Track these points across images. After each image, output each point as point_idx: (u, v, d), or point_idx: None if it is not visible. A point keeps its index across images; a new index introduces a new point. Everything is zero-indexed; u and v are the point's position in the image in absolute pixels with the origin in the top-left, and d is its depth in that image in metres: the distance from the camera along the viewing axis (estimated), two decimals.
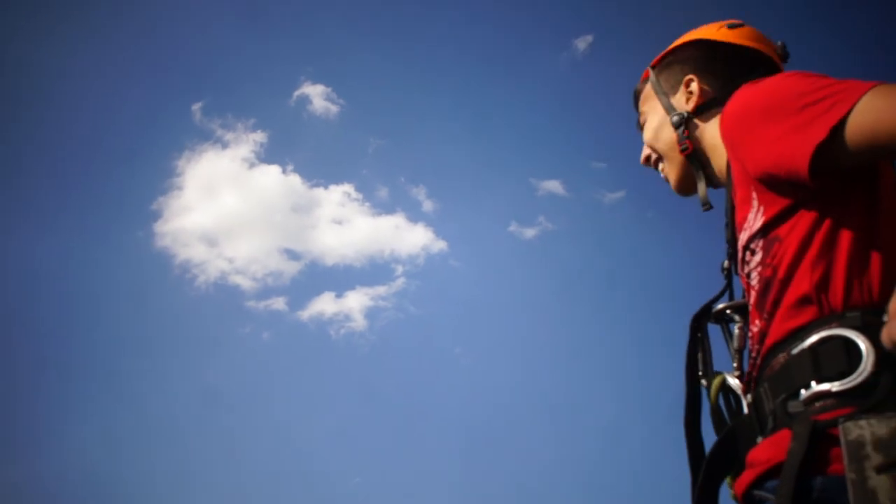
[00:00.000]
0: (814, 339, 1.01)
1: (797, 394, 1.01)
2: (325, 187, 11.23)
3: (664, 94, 1.49)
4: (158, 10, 11.37)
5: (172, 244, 10.78)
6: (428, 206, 10.99)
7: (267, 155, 11.17)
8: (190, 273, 10.54)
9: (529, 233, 10.62)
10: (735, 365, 1.26)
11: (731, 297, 1.32)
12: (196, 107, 11.17)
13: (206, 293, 10.60)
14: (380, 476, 9.68)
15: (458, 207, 11.46)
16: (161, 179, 11.11)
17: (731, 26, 1.49)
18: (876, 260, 1.03)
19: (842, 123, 0.98)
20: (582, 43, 10.62)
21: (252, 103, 11.89)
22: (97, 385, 10.49)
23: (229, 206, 11.30)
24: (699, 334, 1.34)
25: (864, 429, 0.89)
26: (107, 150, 11.60)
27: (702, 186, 1.43)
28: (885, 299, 1.00)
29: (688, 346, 1.35)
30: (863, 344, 0.96)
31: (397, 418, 10.67)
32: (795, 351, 1.03)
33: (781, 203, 1.11)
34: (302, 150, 11.82)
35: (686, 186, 1.47)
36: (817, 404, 0.98)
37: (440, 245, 10.68)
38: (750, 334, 1.19)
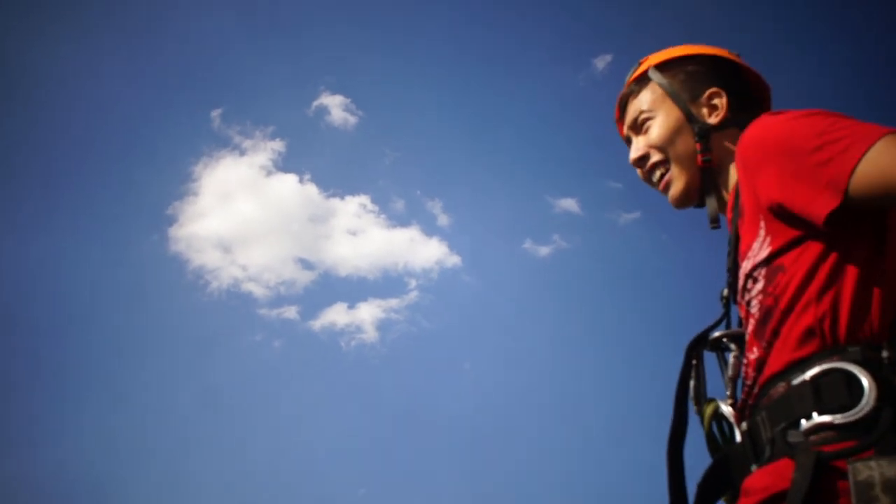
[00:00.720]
0: (815, 370, 1.02)
1: (797, 424, 1.01)
2: (342, 198, 11.25)
3: (682, 100, 1.46)
4: (182, 17, 11.44)
5: (186, 249, 10.83)
6: (443, 220, 11.01)
7: (284, 163, 11.20)
8: (203, 279, 10.58)
9: (544, 251, 10.62)
10: (728, 393, 1.27)
11: (729, 326, 1.33)
12: (215, 113, 11.23)
13: (218, 299, 10.63)
14: (385, 488, 9.66)
15: (473, 222, 11.47)
16: (177, 184, 11.15)
17: (738, 55, 1.51)
18: (878, 296, 1.04)
19: (854, 169, 1.00)
20: (601, 62, 10.63)
21: (271, 111, 11.95)
22: (106, 386, 10.51)
23: (245, 213, 11.34)
24: (694, 361, 1.34)
25: (873, 470, 0.90)
26: (125, 154, 11.67)
27: (712, 201, 1.43)
28: (886, 335, 1.02)
29: (681, 371, 1.35)
30: (864, 379, 0.97)
31: (405, 431, 10.65)
32: (796, 381, 1.04)
33: (789, 234, 1.12)
34: (319, 159, 11.87)
35: (689, 198, 1.45)
36: (818, 436, 0.98)
37: (454, 260, 10.68)
38: (746, 362, 1.20)
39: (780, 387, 1.07)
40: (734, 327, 1.32)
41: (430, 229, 11.54)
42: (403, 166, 11.81)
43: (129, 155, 11.65)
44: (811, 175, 1.05)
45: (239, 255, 10.92)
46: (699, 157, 1.40)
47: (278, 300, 10.68)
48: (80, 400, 10.19)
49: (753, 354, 1.16)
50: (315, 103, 11.22)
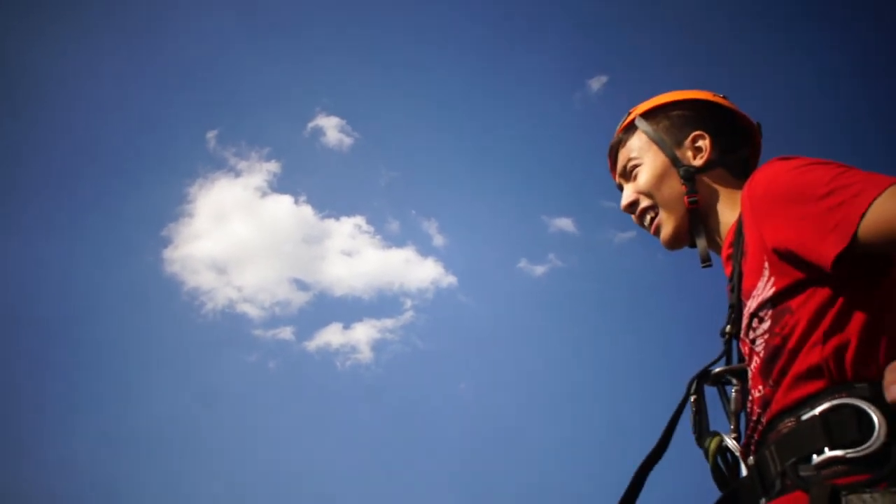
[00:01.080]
0: (825, 406, 1.04)
1: (809, 458, 1.03)
2: (337, 219, 11.27)
3: (667, 146, 1.50)
4: (179, 37, 11.50)
5: (181, 271, 10.82)
6: (439, 240, 11.03)
7: (280, 185, 11.22)
8: (198, 300, 10.56)
9: (539, 270, 10.64)
10: (732, 427, 1.29)
11: (730, 361, 1.34)
12: (211, 135, 11.26)
13: (213, 321, 10.60)
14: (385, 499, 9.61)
15: (468, 242, 11.50)
16: (173, 206, 11.16)
17: (723, 97, 1.56)
18: (884, 337, 1.07)
19: (864, 213, 1.03)
20: (596, 83, 10.71)
21: (267, 133, 11.99)
22: (100, 405, 10.45)
23: (240, 234, 11.34)
24: (695, 396, 1.35)
25: (866, 502, 0.93)
26: (120, 175, 11.67)
27: (702, 242, 1.46)
28: None
29: (680, 403, 1.37)
30: (874, 414, 1.00)
31: (400, 451, 10.60)
32: (805, 417, 1.06)
33: (793, 277, 1.14)
34: (315, 180, 11.89)
35: (679, 240, 1.49)
36: (830, 469, 1.00)
37: (450, 280, 10.69)
38: (750, 398, 1.22)
39: (789, 422, 1.09)
40: (734, 362, 1.34)
41: (425, 250, 11.55)
42: (398, 187, 11.85)
43: (124, 176, 11.66)
44: (821, 220, 1.08)
45: (234, 276, 10.91)
46: (686, 200, 1.45)
47: (273, 321, 10.66)
48: (74, 418, 10.12)
49: (759, 392, 1.19)
50: (311, 124, 11.28)
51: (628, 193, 1.54)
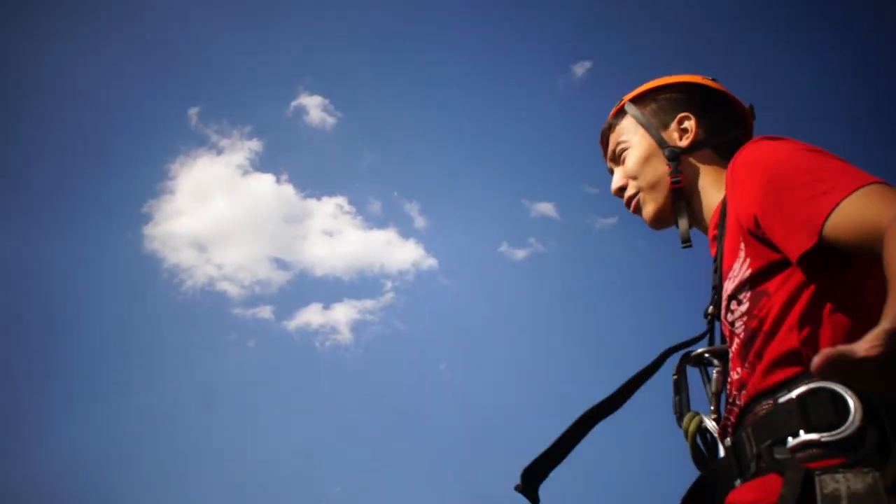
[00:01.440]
0: (802, 389, 1.04)
1: (784, 441, 1.04)
2: (318, 199, 11.24)
3: (653, 128, 1.52)
4: (159, 13, 11.35)
5: (161, 248, 10.76)
6: (420, 222, 11.04)
7: (261, 163, 11.17)
8: (178, 278, 10.52)
9: (520, 254, 10.68)
10: (712, 408, 1.29)
11: (712, 342, 1.35)
12: (193, 111, 11.17)
13: (192, 298, 10.57)
14: (360, 487, 9.66)
15: (449, 225, 11.52)
16: (153, 182, 11.09)
17: (713, 80, 1.56)
18: (860, 321, 1.08)
19: (830, 214, 1.04)
20: (580, 68, 10.73)
21: (249, 111, 11.94)
22: (80, 385, 10.42)
23: (220, 212, 11.28)
24: (676, 376, 1.37)
25: (840, 483, 0.93)
26: (100, 151, 11.57)
27: (683, 222, 1.47)
28: None
29: (646, 367, 1.41)
30: (850, 399, 1.00)
31: (379, 430, 10.65)
32: (782, 399, 1.06)
33: (767, 258, 1.15)
34: (297, 160, 11.84)
35: (664, 219, 1.51)
36: (805, 452, 1.01)
37: (430, 262, 10.71)
38: (729, 381, 1.23)
39: (766, 404, 1.10)
40: (717, 344, 1.35)
41: (406, 231, 11.54)
42: (381, 168, 11.84)
43: (104, 152, 11.55)
44: (791, 211, 1.09)
45: (214, 254, 10.88)
46: (668, 179, 1.46)
47: (253, 300, 10.66)
48: (52, 400, 10.08)
49: (737, 374, 1.20)
50: (293, 103, 11.21)
51: (617, 177, 1.56)
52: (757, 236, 1.16)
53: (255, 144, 11.04)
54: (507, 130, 11.87)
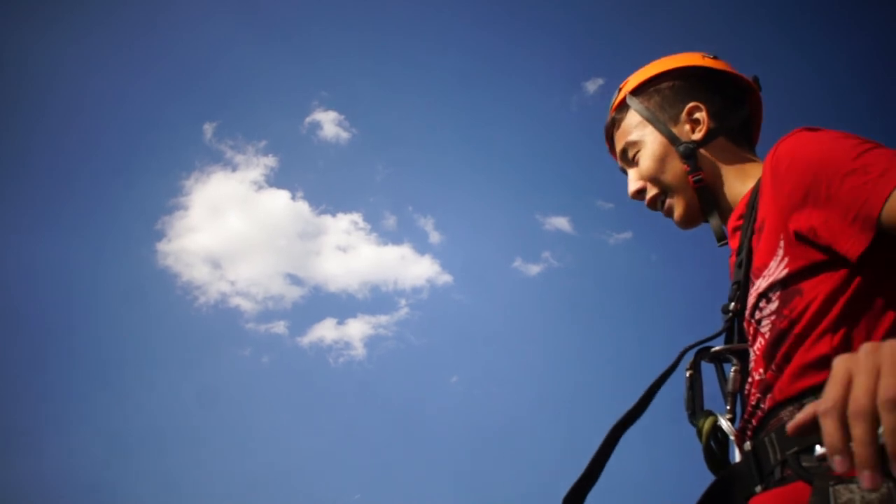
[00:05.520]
0: None
1: (811, 449, 1.01)
2: (333, 215, 11.32)
3: (662, 123, 1.44)
4: (177, 29, 11.47)
5: (175, 264, 10.80)
6: (435, 237, 11.08)
7: (276, 179, 11.25)
8: (191, 294, 10.55)
9: (534, 269, 10.72)
10: (728, 408, 1.24)
11: (731, 340, 1.29)
12: (207, 127, 11.25)
13: (206, 314, 10.60)
14: (378, 495, 9.66)
15: (464, 240, 11.58)
16: (168, 198, 11.14)
17: (713, 57, 1.49)
18: (889, 324, 1.04)
19: (888, 196, 0.98)
20: (592, 85, 10.79)
21: (264, 126, 12.01)
22: (96, 398, 10.42)
23: (235, 228, 11.38)
24: (691, 372, 1.31)
25: (854, 493, 0.91)
26: (115, 167, 11.63)
27: (715, 220, 1.41)
28: None
29: (666, 369, 1.33)
30: None
31: (393, 441, 10.67)
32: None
33: (810, 258, 1.10)
34: (311, 175, 11.93)
35: (692, 220, 1.44)
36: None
37: (446, 278, 10.75)
38: (750, 381, 1.19)
39: (791, 410, 1.07)
40: (735, 341, 1.28)
41: (422, 247, 11.61)
42: (395, 183, 11.91)
43: (119, 168, 11.62)
44: (844, 202, 1.03)
45: (228, 270, 10.93)
46: (690, 179, 1.39)
47: (266, 315, 10.69)
48: (67, 409, 10.09)
49: (759, 375, 1.16)
50: (308, 119, 11.30)
51: (633, 180, 1.49)
52: (802, 237, 1.11)
53: (270, 160, 11.12)
54: (522, 147, 11.95)
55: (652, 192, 1.45)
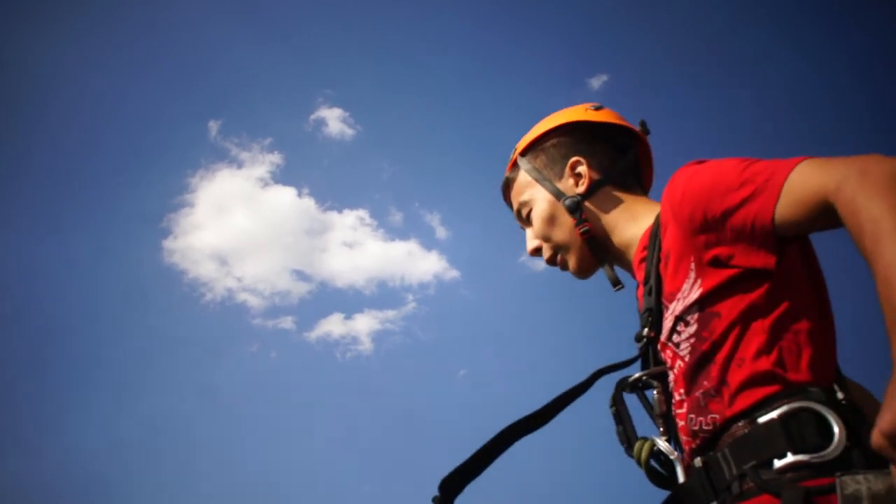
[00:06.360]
0: (783, 409, 1.05)
1: (769, 462, 1.04)
2: (339, 211, 11.24)
3: (548, 181, 1.49)
4: (180, 26, 11.41)
5: (181, 261, 10.78)
6: (441, 232, 11.07)
7: (282, 176, 11.19)
8: (198, 291, 10.54)
9: (541, 264, 10.75)
10: (662, 430, 1.27)
11: (647, 365, 1.32)
12: (212, 124, 11.22)
13: (213, 311, 10.60)
14: (386, 488, 9.69)
15: (470, 235, 11.55)
16: (173, 196, 11.12)
17: (595, 108, 1.55)
18: (820, 340, 1.11)
19: (782, 190, 1.05)
20: (597, 82, 10.87)
21: (269, 124, 11.89)
22: (102, 395, 10.38)
23: (241, 225, 11.29)
24: (614, 407, 1.34)
25: (860, 483, 0.94)
26: (119, 165, 11.57)
27: (608, 268, 1.47)
28: (833, 377, 1.09)
29: (576, 386, 1.40)
30: (833, 419, 1.02)
31: (400, 438, 10.66)
32: (762, 420, 1.06)
33: (722, 275, 1.15)
34: (317, 172, 11.82)
35: (587, 269, 1.49)
36: (794, 473, 1.01)
37: (453, 273, 10.77)
38: (673, 402, 1.22)
39: (742, 425, 1.09)
40: (652, 366, 1.32)
41: (428, 243, 11.58)
42: (401, 179, 11.86)
43: (124, 166, 11.56)
44: (741, 216, 1.10)
45: (234, 266, 10.88)
46: (577, 231, 1.44)
47: (273, 310, 10.68)
48: (75, 407, 10.07)
49: (680, 395, 1.20)
50: (312, 116, 11.25)
51: (530, 239, 1.55)
52: (713, 259, 1.16)
53: (275, 157, 11.05)
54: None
55: (547, 251, 1.51)
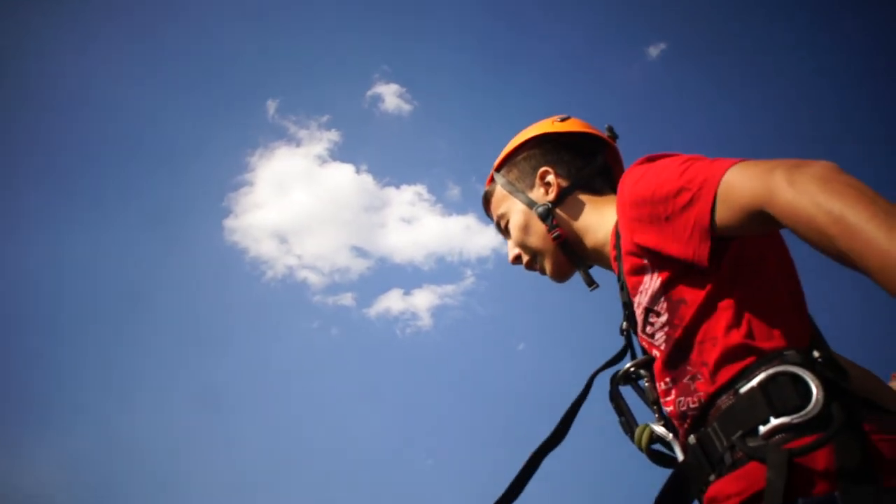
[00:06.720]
0: (761, 377, 1.08)
1: (755, 430, 1.07)
2: (397, 187, 11.33)
3: (521, 192, 1.58)
4: (238, 6, 11.57)
5: (243, 239, 11.01)
6: None
7: (340, 153, 11.31)
8: (259, 269, 10.75)
9: None
10: (657, 416, 1.32)
11: (634, 357, 1.39)
12: (271, 104, 11.36)
13: (274, 288, 10.80)
14: (449, 460, 9.79)
15: None
16: (233, 175, 11.33)
17: (562, 119, 1.63)
18: (787, 305, 1.15)
19: (714, 200, 1.08)
20: (654, 50, 10.66)
21: (326, 101, 12.06)
22: (166, 373, 10.74)
23: (300, 203, 11.45)
24: (613, 402, 1.39)
25: None
26: (181, 147, 11.83)
27: (581, 270, 1.54)
28: (808, 338, 1.13)
29: (579, 396, 1.44)
30: (809, 378, 1.06)
31: (460, 413, 10.76)
32: (743, 389, 1.10)
33: (673, 265, 1.20)
34: (375, 148, 11.93)
35: (564, 272, 1.56)
36: (778, 437, 1.04)
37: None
38: (659, 391, 1.27)
39: (726, 398, 1.13)
40: (638, 356, 1.37)
41: (486, 217, 11.59)
42: (458, 153, 11.89)
43: (185, 148, 11.82)
44: (679, 224, 1.14)
45: (294, 244, 11.06)
46: (550, 237, 1.51)
47: (333, 287, 10.84)
48: (135, 383, 10.42)
49: (664, 385, 1.24)
50: (369, 92, 11.32)
51: (510, 248, 1.63)
52: (656, 256, 1.21)
53: (332, 135, 11.19)
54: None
55: (525, 258, 1.59)
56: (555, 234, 1.50)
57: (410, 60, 12.43)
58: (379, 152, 12.27)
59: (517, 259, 1.61)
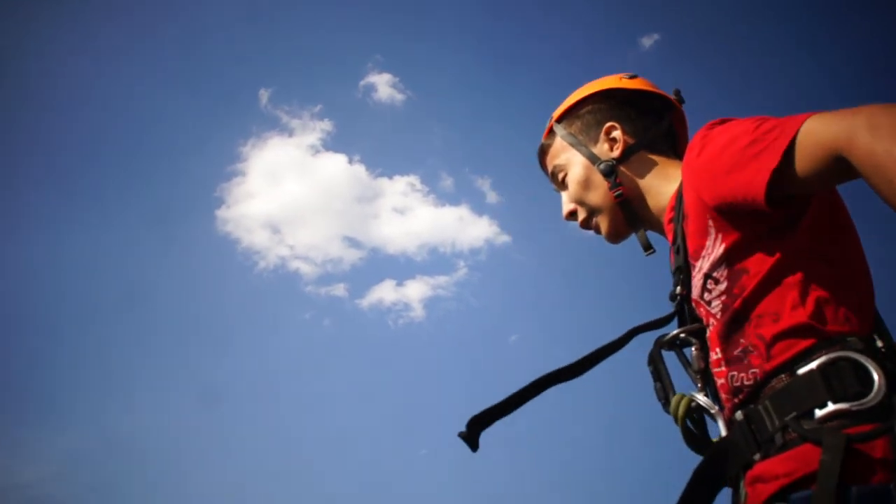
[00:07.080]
0: (822, 360, 1.06)
1: (811, 412, 1.05)
2: (390, 177, 11.33)
3: (583, 146, 1.53)
4: None
5: (235, 230, 10.96)
6: (492, 197, 11.08)
7: (333, 143, 11.29)
8: (251, 259, 10.73)
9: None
10: (700, 386, 1.28)
11: (684, 322, 1.34)
12: (263, 93, 11.31)
13: (266, 278, 10.78)
14: (443, 450, 9.84)
15: (521, 199, 11.55)
16: (225, 165, 11.27)
17: (630, 77, 1.58)
18: (854, 289, 1.12)
19: (790, 148, 1.04)
20: (648, 41, 10.67)
21: (319, 91, 12.03)
22: (156, 364, 10.71)
23: (293, 193, 11.43)
24: (652, 365, 1.35)
25: None
26: (172, 137, 11.76)
27: (641, 232, 1.50)
28: (871, 326, 1.10)
29: (612, 342, 1.41)
30: (872, 368, 1.03)
31: (454, 403, 10.81)
32: (801, 371, 1.07)
33: (739, 231, 1.16)
34: (368, 139, 11.92)
35: (620, 233, 1.52)
36: (836, 422, 1.02)
37: (504, 238, 10.77)
38: (711, 361, 1.24)
39: (783, 377, 1.10)
40: (689, 324, 1.33)
41: (479, 208, 11.61)
42: (452, 144, 11.89)
43: (176, 138, 11.75)
44: (750, 162, 1.09)
45: (287, 234, 11.05)
46: (611, 194, 1.47)
47: (326, 278, 10.84)
48: (132, 379, 10.40)
49: (717, 354, 1.21)
50: (362, 82, 11.29)
51: (565, 202, 1.58)
52: (723, 211, 1.17)
53: (325, 125, 11.16)
54: None
55: (582, 214, 1.54)
56: (616, 193, 1.46)
57: (404, 50, 12.38)
58: (372, 142, 12.25)
59: (571, 215, 1.57)
